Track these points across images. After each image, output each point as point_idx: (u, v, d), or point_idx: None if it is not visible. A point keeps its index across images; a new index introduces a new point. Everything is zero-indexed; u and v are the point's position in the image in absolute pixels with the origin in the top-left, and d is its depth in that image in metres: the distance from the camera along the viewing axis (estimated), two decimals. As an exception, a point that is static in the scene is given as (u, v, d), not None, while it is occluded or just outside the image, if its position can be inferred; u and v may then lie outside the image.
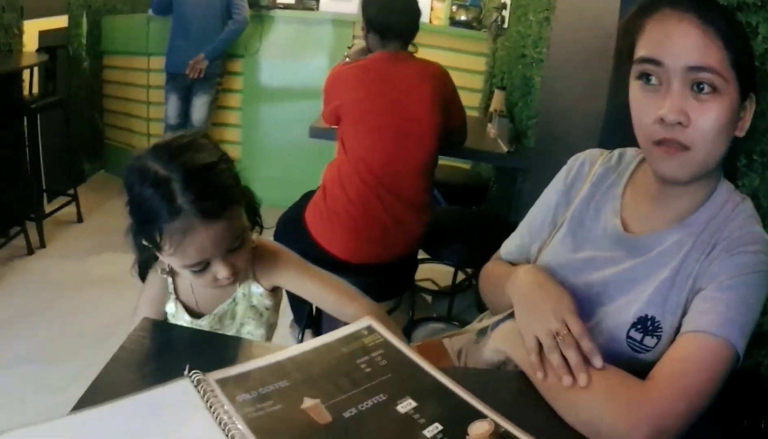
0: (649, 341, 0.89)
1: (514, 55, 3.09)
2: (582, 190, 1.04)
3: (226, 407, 0.70)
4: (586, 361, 0.81)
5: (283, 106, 4.03)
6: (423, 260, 2.72)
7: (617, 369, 0.81)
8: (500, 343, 0.94)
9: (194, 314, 1.07)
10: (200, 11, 3.61)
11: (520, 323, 0.90)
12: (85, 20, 4.09)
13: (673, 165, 0.84)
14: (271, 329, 1.18)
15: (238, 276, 0.98)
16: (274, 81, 4.02)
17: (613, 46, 1.39)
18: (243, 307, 1.09)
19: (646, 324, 0.89)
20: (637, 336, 0.89)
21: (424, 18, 3.22)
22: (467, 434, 0.72)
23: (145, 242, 0.95)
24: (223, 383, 0.75)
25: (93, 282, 3.01)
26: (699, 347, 0.79)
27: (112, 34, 4.29)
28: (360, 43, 2.31)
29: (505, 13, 3.41)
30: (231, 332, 1.08)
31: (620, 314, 0.92)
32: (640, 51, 0.83)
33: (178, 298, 1.06)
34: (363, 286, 2.01)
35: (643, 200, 0.96)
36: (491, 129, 2.77)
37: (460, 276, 3.22)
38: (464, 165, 3.48)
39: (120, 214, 0.97)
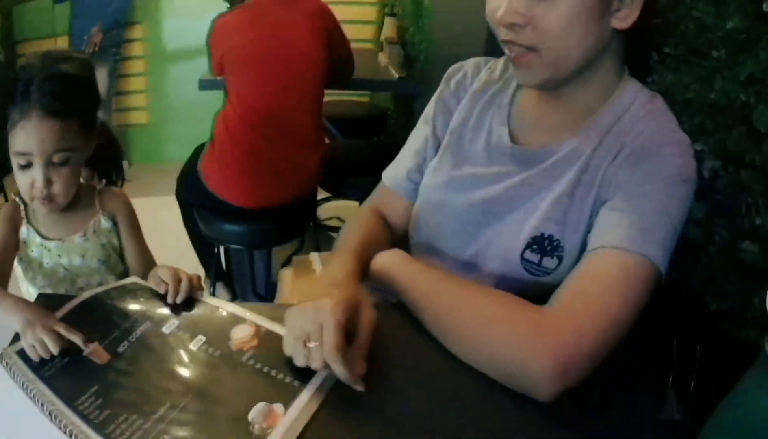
0: (549, 262, 0.78)
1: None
2: (462, 101, 0.93)
3: (30, 376, 0.72)
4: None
5: (191, 64, 3.96)
6: (327, 199, 2.70)
7: (508, 294, 0.71)
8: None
9: (45, 237, 1.12)
10: None
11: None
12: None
13: (522, 71, 0.76)
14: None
15: (53, 198, 1.05)
16: (179, 41, 3.93)
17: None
18: (93, 245, 1.14)
19: (543, 244, 0.78)
20: (534, 258, 0.79)
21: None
22: (230, 339, 0.77)
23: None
24: (21, 351, 0.76)
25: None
26: (610, 266, 0.69)
27: (22, 22, 4.04)
28: None
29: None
30: (81, 273, 1.13)
31: (511, 235, 0.81)
32: None
33: (29, 222, 1.13)
34: (262, 232, 2.03)
35: (535, 107, 0.85)
36: (383, 57, 2.72)
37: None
38: (363, 99, 3.39)
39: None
